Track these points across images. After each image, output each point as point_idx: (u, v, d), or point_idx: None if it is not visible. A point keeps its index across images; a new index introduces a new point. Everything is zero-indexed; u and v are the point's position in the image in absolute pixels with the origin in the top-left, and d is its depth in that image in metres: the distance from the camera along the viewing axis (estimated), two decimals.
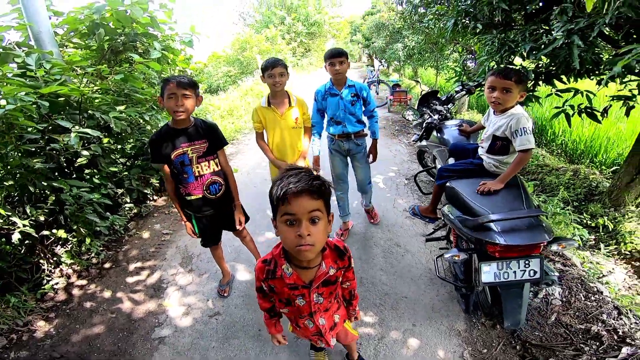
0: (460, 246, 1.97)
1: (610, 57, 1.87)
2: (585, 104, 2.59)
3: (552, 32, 2.12)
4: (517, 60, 2.69)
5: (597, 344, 1.78)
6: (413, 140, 3.40)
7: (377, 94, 8.26)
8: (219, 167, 1.98)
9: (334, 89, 2.50)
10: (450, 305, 2.16)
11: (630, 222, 3.18)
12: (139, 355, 2.01)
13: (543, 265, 1.58)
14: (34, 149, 2.50)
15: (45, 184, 2.46)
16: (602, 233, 3.31)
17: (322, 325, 1.31)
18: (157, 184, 4.15)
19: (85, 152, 2.74)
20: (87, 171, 3.03)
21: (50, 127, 2.51)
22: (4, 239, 2.41)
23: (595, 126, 4.63)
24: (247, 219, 2.23)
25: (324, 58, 2.44)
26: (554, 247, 1.59)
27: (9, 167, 2.35)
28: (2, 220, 2.39)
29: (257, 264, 1.21)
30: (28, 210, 2.43)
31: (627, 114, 2.66)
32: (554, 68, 2.53)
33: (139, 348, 2.06)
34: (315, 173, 0.99)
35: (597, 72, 2.34)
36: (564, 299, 2.05)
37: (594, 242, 3.32)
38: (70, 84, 2.61)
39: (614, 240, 3.15)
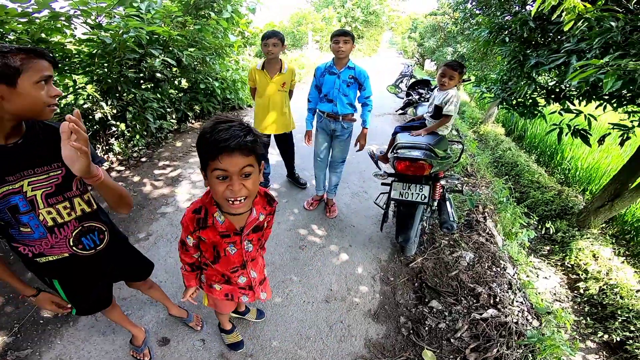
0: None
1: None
2: (583, 126, 2.75)
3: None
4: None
5: (474, 300, 2.26)
6: (395, 111, 4.02)
7: (398, 89, 8.57)
8: (94, 204, 1.20)
9: (334, 68, 2.54)
10: (384, 241, 2.83)
11: (585, 241, 3.53)
12: (142, 223, 2.81)
13: (431, 193, 2.22)
14: (130, 64, 3.55)
15: (128, 88, 3.54)
16: (556, 247, 3.69)
17: (253, 278, 1.39)
18: (199, 110, 5.21)
19: (159, 75, 3.85)
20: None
21: (144, 53, 3.56)
22: (83, 120, 3.46)
23: (601, 157, 4.83)
24: (151, 266, 1.64)
25: (330, 36, 2.50)
26: (443, 182, 2.30)
27: (110, 72, 3.35)
28: (91, 104, 3.44)
29: (187, 214, 1.14)
30: (109, 102, 3.50)
31: (621, 144, 2.67)
32: (564, 87, 2.81)
33: (145, 218, 2.87)
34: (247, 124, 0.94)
35: (596, 96, 2.56)
36: (471, 263, 2.57)
37: (547, 252, 3.72)
38: (164, 27, 3.63)
39: (564, 254, 3.54)
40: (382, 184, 2.79)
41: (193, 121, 5.10)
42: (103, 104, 3.38)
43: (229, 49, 5.14)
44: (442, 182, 2.28)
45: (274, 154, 3.70)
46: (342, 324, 2.06)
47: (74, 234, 1.13)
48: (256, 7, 5.62)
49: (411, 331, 2.07)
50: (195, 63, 4.49)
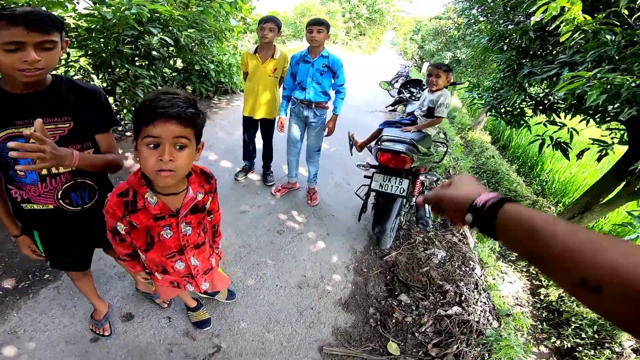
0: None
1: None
2: (565, 139, 2.80)
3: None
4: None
5: (441, 297, 2.36)
6: (386, 107, 4.06)
7: (391, 86, 8.68)
8: None
9: (308, 56, 2.61)
10: (361, 233, 2.91)
11: None
12: None
13: (410, 187, 2.30)
14: (128, 40, 3.48)
15: (122, 63, 3.47)
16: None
17: (194, 265, 1.29)
18: (191, 91, 5.13)
19: (154, 53, 3.82)
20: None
21: (143, 30, 3.49)
22: None
23: (579, 171, 4.99)
24: None
25: (305, 25, 2.58)
26: (422, 177, 2.40)
27: (106, 47, 3.27)
28: (81, 77, 3.42)
29: (111, 199, 1.06)
30: (100, 76, 3.48)
31: (599, 159, 2.72)
32: (552, 99, 2.83)
33: None
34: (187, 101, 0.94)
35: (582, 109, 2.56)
36: (442, 261, 2.66)
37: (515, 258, 3.85)
38: (167, 6, 3.55)
39: None
40: (365, 176, 2.85)
41: None
42: (94, 76, 3.36)
43: (228, 33, 5.07)
44: (422, 177, 2.36)
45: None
46: (312, 311, 2.11)
47: (64, 187, 1.17)
48: None
49: (379, 322, 2.14)
50: (193, 44, 4.43)
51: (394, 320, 2.16)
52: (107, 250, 1.63)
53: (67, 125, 1.11)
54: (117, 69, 3.54)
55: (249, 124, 3.09)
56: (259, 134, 3.20)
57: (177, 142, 0.91)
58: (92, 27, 3.12)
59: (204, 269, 1.38)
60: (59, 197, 1.17)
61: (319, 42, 2.52)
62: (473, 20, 5.84)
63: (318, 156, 3.02)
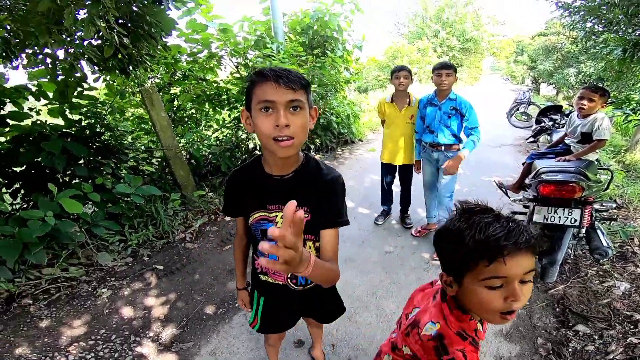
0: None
1: None
2: None
3: None
4: None
5: (632, 326, 2.06)
6: (526, 139, 3.81)
7: (527, 116, 7.90)
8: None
9: (436, 99, 2.64)
10: None
11: None
12: None
13: (583, 216, 2.10)
14: None
15: None
16: None
17: None
18: (319, 144, 5.63)
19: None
20: None
21: None
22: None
23: None
24: (342, 312, 1.51)
25: (432, 69, 2.62)
26: (597, 206, 2.20)
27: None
28: (246, 135, 4.25)
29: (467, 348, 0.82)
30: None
31: None
32: None
33: None
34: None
35: None
36: (627, 293, 2.31)
37: None
38: (291, 65, 4.29)
39: None
40: (512, 212, 2.75)
41: (314, 154, 5.60)
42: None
43: (344, 84, 5.68)
44: (596, 205, 2.16)
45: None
46: None
47: None
48: (362, 44, 6.14)
49: (551, 352, 1.99)
50: (318, 99, 5.05)
51: (570, 350, 1.97)
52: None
53: (307, 216, 1.02)
54: None
55: (389, 170, 3.18)
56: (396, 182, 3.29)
57: (526, 277, 0.69)
58: (239, 90, 3.90)
59: None
60: (289, 277, 1.23)
61: (447, 85, 2.52)
62: (591, 32, 5.33)
63: (450, 202, 2.80)
